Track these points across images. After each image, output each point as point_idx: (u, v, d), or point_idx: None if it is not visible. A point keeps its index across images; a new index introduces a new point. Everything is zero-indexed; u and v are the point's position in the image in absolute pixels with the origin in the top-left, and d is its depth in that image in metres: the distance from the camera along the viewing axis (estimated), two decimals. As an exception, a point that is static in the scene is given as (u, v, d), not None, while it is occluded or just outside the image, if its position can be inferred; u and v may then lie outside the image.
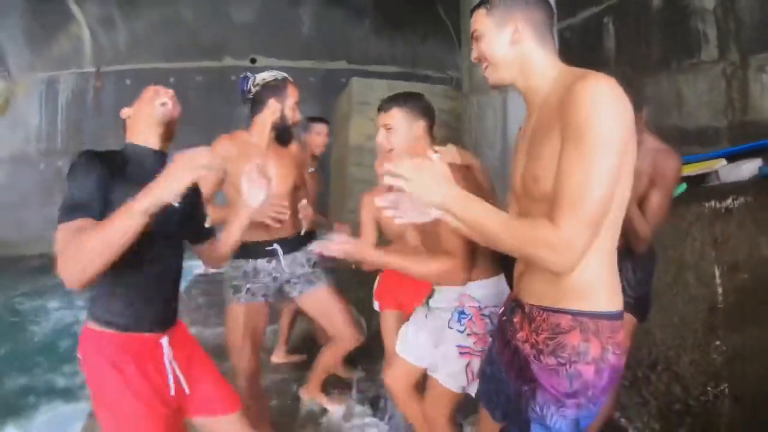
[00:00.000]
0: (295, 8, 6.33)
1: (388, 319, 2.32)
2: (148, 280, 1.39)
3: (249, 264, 2.17)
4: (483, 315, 1.64)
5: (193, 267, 4.68)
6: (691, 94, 3.56)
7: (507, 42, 1.13)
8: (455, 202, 1.02)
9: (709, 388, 2.08)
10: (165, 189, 1.11)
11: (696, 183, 2.66)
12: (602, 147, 0.93)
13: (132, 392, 1.32)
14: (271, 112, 2.15)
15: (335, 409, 2.51)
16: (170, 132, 1.45)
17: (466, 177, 1.61)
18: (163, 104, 1.39)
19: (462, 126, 4.41)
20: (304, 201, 2.25)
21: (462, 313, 1.67)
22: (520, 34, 1.12)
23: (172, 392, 1.40)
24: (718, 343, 2.08)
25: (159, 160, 1.40)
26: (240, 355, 2.10)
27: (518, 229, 0.99)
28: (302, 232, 2.25)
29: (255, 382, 2.15)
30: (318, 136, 3.16)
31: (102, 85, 6.39)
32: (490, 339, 1.58)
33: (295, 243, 2.24)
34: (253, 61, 6.39)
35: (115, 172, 1.30)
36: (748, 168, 2.29)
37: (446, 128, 4.95)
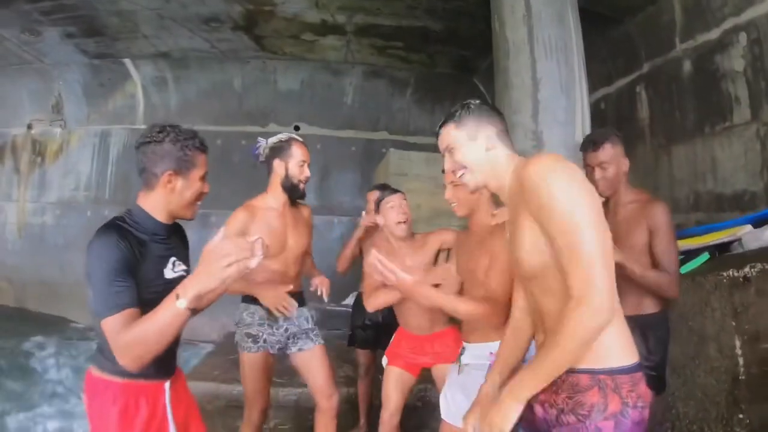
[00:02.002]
0: (339, 79, 6.67)
1: (390, 373, 2.35)
2: None
3: (266, 310, 2.28)
4: None
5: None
6: (726, 158, 3.50)
7: (483, 149, 1.29)
8: (522, 394, 1.13)
9: (733, 465, 1.97)
10: (205, 286, 1.19)
11: (721, 251, 2.60)
12: (572, 210, 1.05)
13: None
14: (277, 172, 2.29)
15: None
16: None
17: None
18: None
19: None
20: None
21: None
22: (491, 141, 1.29)
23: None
24: (741, 416, 2.00)
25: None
26: (257, 397, 2.31)
27: (561, 340, 1.05)
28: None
29: (265, 414, 2.37)
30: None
31: (152, 142, 6.71)
32: None
33: (300, 299, 2.39)
34: (296, 128, 6.65)
35: (137, 240, 1.46)
36: (771, 234, 2.24)
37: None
